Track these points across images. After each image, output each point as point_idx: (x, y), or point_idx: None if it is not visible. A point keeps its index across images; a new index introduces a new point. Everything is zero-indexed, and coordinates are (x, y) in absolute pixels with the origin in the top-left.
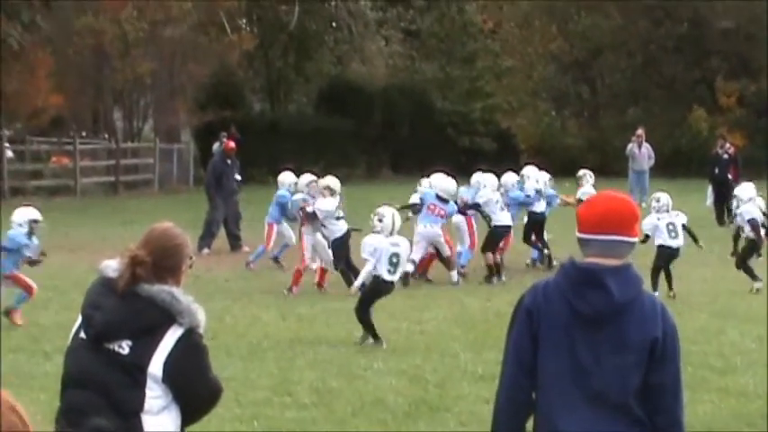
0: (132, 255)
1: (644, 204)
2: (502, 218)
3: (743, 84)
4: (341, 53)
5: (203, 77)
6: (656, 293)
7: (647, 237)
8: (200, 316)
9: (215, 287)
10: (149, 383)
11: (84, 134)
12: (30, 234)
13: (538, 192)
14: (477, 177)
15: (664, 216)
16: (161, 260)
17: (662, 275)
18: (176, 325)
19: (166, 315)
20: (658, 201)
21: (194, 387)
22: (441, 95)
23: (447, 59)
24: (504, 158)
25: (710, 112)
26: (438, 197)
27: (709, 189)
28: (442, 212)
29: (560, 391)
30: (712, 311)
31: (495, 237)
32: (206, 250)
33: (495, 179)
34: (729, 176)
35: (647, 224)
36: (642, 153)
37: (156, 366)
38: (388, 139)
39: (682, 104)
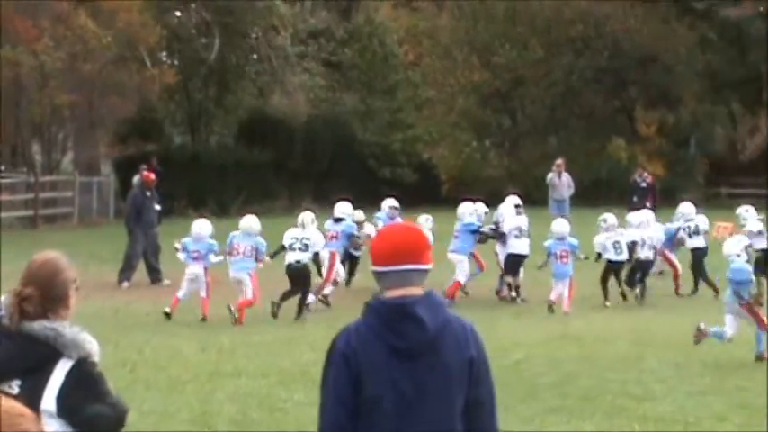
0: (17, 292)
1: None
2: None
3: (662, 113)
4: (262, 85)
5: (124, 110)
6: (608, 303)
7: (599, 255)
8: (90, 345)
9: (135, 320)
10: (45, 420)
11: (2, 168)
12: None
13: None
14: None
15: (611, 235)
16: (47, 291)
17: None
18: (65, 359)
19: (52, 350)
20: (605, 221)
21: (94, 417)
22: (362, 127)
23: (368, 91)
24: (425, 189)
25: (630, 141)
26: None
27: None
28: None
29: (387, 428)
30: (631, 339)
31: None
32: (126, 283)
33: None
34: (647, 204)
35: (597, 243)
36: (562, 182)
37: (48, 402)
38: (310, 170)
39: (601, 134)
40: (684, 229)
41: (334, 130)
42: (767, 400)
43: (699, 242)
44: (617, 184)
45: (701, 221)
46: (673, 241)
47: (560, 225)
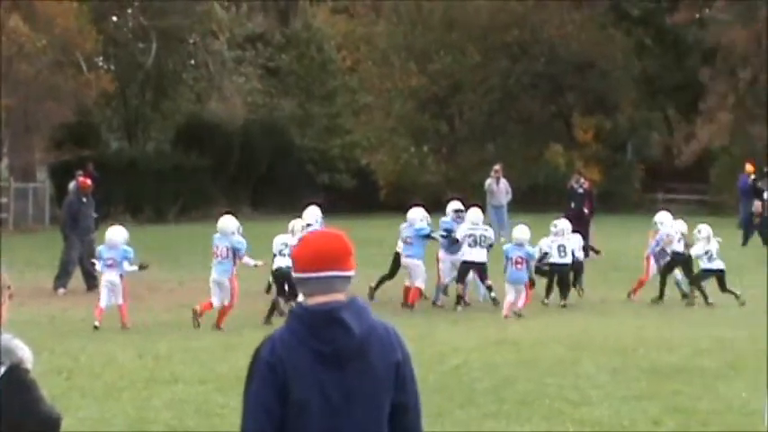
0: None
1: (503, 239)
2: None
3: (599, 119)
4: (199, 90)
5: (60, 115)
6: (546, 300)
7: (545, 254)
8: (22, 351)
9: (71, 327)
10: None
11: None
12: None
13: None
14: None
15: (557, 239)
16: None
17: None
18: None
19: None
20: (555, 226)
21: (26, 424)
22: (300, 132)
23: (306, 96)
24: (363, 195)
25: (567, 147)
26: None
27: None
28: None
29: None
30: (569, 344)
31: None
32: (62, 290)
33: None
34: (585, 210)
35: (543, 245)
36: (500, 188)
37: None
38: (248, 176)
39: (539, 140)
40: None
41: (272, 135)
42: (702, 403)
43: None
44: (554, 189)
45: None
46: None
47: (520, 231)
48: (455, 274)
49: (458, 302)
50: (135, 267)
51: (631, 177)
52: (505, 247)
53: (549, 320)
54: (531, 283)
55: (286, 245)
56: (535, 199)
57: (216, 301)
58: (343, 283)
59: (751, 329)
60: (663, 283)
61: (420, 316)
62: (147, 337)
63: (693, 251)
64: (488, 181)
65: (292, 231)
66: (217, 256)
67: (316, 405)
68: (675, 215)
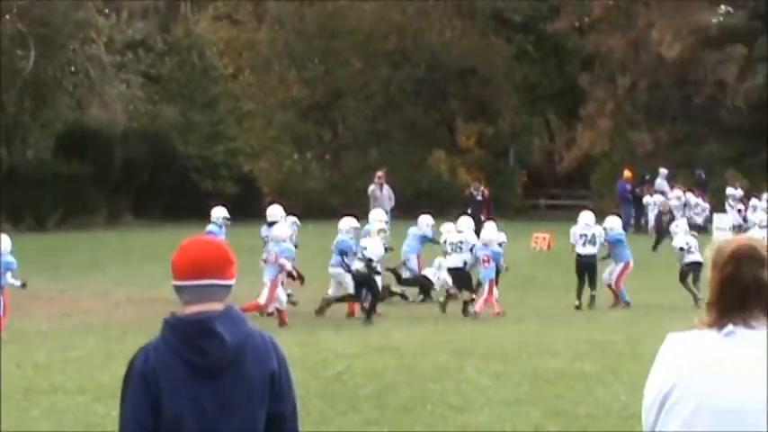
0: None
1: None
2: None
3: (481, 125)
4: (79, 97)
5: None
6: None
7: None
8: None
9: None
10: None
11: None
12: None
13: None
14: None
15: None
16: None
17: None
18: None
19: None
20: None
21: None
22: (182, 139)
23: (188, 103)
24: (247, 202)
25: (450, 153)
26: None
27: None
28: None
29: None
30: (452, 350)
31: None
32: None
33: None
34: (482, 217)
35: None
36: (384, 194)
37: None
38: (129, 184)
39: (422, 146)
40: (581, 237)
41: (154, 142)
42: (582, 407)
43: (591, 250)
44: (438, 195)
45: (598, 231)
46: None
47: (488, 231)
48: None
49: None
50: (17, 282)
51: (513, 183)
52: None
53: (432, 327)
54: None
55: (365, 247)
56: (419, 205)
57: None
58: (222, 292)
59: (629, 333)
60: (689, 290)
61: (303, 322)
62: (26, 346)
63: (675, 243)
64: (372, 187)
65: (368, 233)
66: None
67: (189, 418)
68: (558, 220)
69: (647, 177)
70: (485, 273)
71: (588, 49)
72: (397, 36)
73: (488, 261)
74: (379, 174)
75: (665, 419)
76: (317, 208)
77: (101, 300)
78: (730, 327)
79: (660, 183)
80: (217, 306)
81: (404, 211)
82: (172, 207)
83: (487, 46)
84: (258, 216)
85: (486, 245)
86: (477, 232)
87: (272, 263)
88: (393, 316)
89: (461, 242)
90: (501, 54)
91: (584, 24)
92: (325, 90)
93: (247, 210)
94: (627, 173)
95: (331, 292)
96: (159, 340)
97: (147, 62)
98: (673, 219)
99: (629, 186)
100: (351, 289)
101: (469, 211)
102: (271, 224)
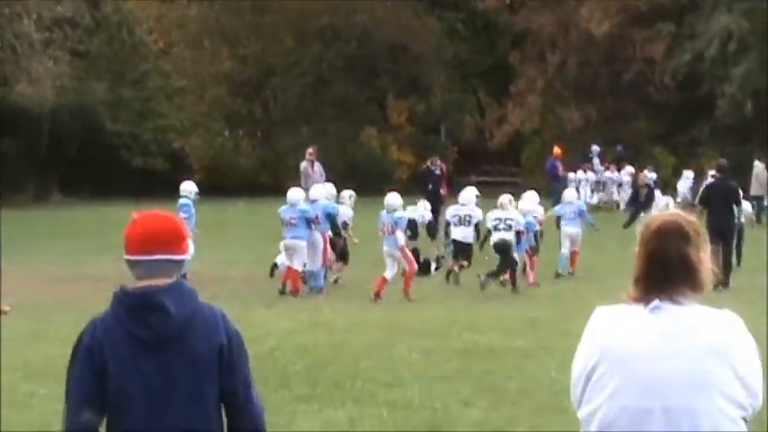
0: None
1: None
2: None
3: (412, 102)
4: (6, 74)
5: None
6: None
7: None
8: None
9: None
10: None
11: None
12: None
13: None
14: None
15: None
16: None
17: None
18: None
19: None
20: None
21: None
22: (111, 116)
23: (117, 80)
24: (177, 178)
25: (381, 129)
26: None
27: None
28: None
29: (136, 421)
30: (383, 327)
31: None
32: None
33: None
34: (442, 191)
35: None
36: (315, 171)
37: None
38: (58, 161)
39: (353, 123)
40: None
41: (82, 119)
42: (512, 383)
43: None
44: (370, 172)
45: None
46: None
47: (526, 203)
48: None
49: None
50: None
51: (445, 160)
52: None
53: (363, 304)
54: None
55: (500, 219)
56: (352, 181)
57: (389, 274)
58: (174, 268)
59: (562, 309)
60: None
61: (236, 299)
62: None
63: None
64: (303, 164)
65: (500, 206)
66: (383, 233)
67: (135, 391)
68: (489, 197)
69: (591, 155)
70: (520, 244)
71: (518, 26)
72: (329, 13)
73: (524, 233)
74: (310, 150)
75: (590, 393)
76: (248, 185)
77: (29, 278)
78: (656, 302)
79: (597, 162)
80: (166, 281)
81: (336, 187)
82: (101, 184)
83: (418, 23)
84: None
85: (523, 215)
86: (437, 207)
87: (389, 233)
88: (325, 293)
89: (469, 215)
90: (432, 31)
91: (514, 2)
92: (256, 67)
93: (178, 186)
94: (557, 150)
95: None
96: (108, 313)
97: (75, 38)
98: (651, 194)
99: (558, 163)
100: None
101: (429, 187)
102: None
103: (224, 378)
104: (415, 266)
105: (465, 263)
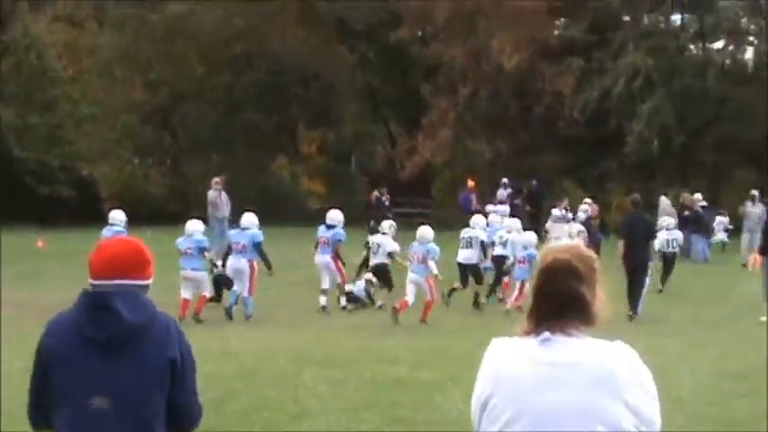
0: None
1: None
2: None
3: (323, 131)
4: None
5: None
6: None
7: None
8: None
9: None
10: None
11: None
12: None
13: None
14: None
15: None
16: None
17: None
18: None
19: None
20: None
21: None
22: (18, 143)
23: (25, 106)
24: (85, 207)
25: (292, 159)
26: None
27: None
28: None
29: (81, 422)
30: (291, 356)
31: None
32: None
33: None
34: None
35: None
36: (223, 200)
37: None
38: None
39: (265, 152)
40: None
41: None
42: (420, 414)
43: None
44: (281, 201)
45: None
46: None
47: (530, 235)
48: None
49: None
50: None
51: (355, 190)
52: (412, 244)
53: (274, 332)
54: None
55: (378, 245)
56: (262, 211)
57: (410, 299)
58: (139, 292)
59: (472, 339)
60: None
61: None
62: None
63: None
64: (211, 193)
65: (381, 231)
66: (412, 261)
67: (82, 392)
68: (401, 228)
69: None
70: (519, 272)
71: (430, 58)
72: (241, 41)
73: (525, 262)
74: (217, 180)
75: (485, 424)
76: (157, 213)
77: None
78: (546, 334)
79: (501, 193)
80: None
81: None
82: (6, 211)
83: (330, 53)
84: (98, 221)
85: (525, 247)
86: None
87: (419, 261)
88: (235, 321)
89: (471, 238)
90: (344, 61)
91: (426, 33)
92: (167, 94)
93: (85, 214)
94: (471, 183)
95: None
96: (68, 312)
97: None
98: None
99: (472, 196)
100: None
101: (389, 215)
102: (330, 226)
103: (174, 391)
104: (437, 296)
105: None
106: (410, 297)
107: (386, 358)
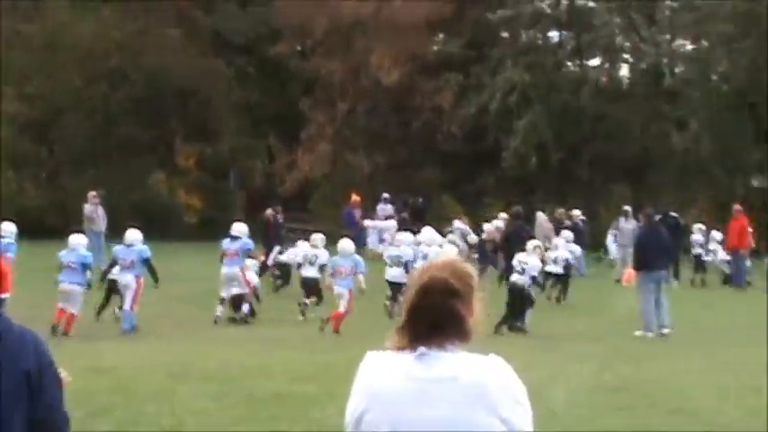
0: None
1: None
2: None
3: (201, 146)
4: None
5: None
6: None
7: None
8: None
9: None
10: None
11: None
12: None
13: None
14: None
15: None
16: None
17: None
18: None
19: None
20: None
21: None
22: None
23: None
24: None
25: (170, 173)
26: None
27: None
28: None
29: None
30: (169, 372)
31: None
32: None
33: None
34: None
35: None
36: (99, 214)
37: None
38: None
39: (142, 166)
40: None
41: None
42: (297, 428)
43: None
44: (158, 215)
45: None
46: None
47: (345, 243)
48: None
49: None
50: None
51: (234, 205)
52: (334, 258)
53: (153, 346)
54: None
55: (316, 256)
56: (138, 225)
57: (342, 308)
58: None
59: (349, 354)
60: None
61: None
62: None
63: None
64: (87, 207)
65: (314, 245)
66: (341, 274)
67: None
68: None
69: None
70: (343, 282)
71: (309, 72)
72: (118, 53)
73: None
74: (93, 193)
75: None
76: (32, 227)
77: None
78: (423, 349)
79: (382, 207)
80: None
81: (121, 232)
82: None
83: (208, 67)
84: None
85: (345, 256)
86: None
87: (347, 274)
88: (112, 335)
89: (400, 255)
90: (222, 75)
91: (305, 48)
92: (44, 107)
93: None
94: (355, 197)
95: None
96: None
97: None
98: (496, 247)
99: (355, 211)
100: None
101: (283, 232)
102: (234, 238)
103: (32, 407)
104: (352, 309)
105: (314, 299)
106: (342, 307)
107: (265, 372)
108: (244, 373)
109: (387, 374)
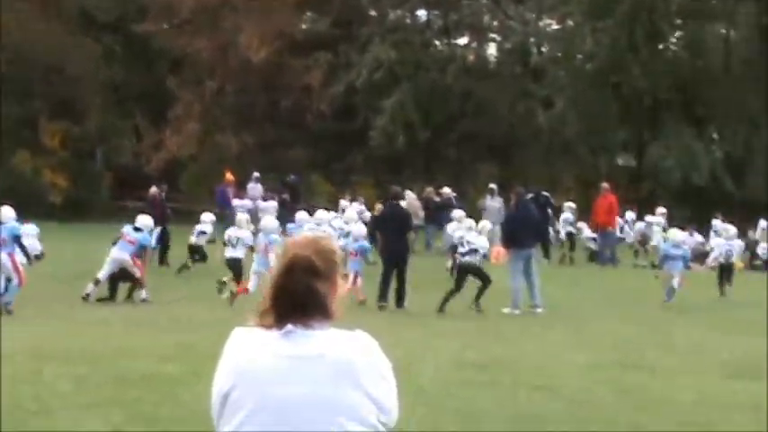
0: None
1: None
2: None
3: (66, 125)
4: None
5: None
6: None
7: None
8: None
9: None
10: None
11: None
12: None
13: None
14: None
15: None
16: None
17: None
18: None
19: None
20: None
21: None
22: None
23: None
24: None
25: (34, 153)
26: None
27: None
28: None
29: None
30: (31, 354)
31: None
32: None
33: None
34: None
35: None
36: None
37: None
38: None
39: (6, 145)
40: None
41: None
42: (164, 410)
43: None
44: (21, 196)
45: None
46: None
47: (358, 228)
48: None
49: None
50: None
51: (100, 185)
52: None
53: (14, 329)
54: None
55: (238, 238)
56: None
57: (252, 287)
58: None
59: (216, 334)
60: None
61: None
62: None
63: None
64: None
65: (238, 225)
66: (259, 252)
67: None
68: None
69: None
70: (351, 264)
71: (176, 51)
72: None
73: (355, 254)
74: None
75: (227, 417)
76: None
77: None
78: (289, 326)
79: (252, 186)
80: None
81: None
82: None
83: (74, 44)
84: None
85: (356, 240)
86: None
87: (263, 253)
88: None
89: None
90: (88, 53)
91: (172, 26)
92: None
93: None
94: (229, 176)
95: None
96: None
97: None
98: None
99: (229, 190)
100: None
101: (168, 212)
102: (138, 230)
103: None
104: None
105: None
106: (251, 285)
107: (130, 353)
108: (108, 354)
109: (254, 352)
